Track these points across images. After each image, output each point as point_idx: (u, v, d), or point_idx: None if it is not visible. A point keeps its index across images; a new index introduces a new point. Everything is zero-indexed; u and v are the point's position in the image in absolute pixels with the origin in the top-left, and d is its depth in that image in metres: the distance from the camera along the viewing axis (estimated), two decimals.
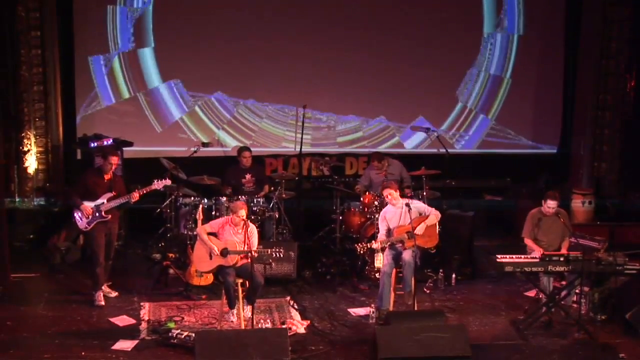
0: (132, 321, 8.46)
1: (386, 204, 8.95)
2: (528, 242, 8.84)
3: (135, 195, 8.85)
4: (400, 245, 8.63)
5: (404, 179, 10.73)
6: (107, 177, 8.96)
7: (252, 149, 11.12)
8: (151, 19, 11.86)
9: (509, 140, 12.90)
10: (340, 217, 10.58)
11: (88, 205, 8.82)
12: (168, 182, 9.09)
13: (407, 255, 8.53)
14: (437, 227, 8.95)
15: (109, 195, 8.86)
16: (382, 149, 12.34)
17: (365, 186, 10.72)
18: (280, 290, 9.45)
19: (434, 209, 8.93)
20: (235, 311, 8.42)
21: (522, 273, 8.46)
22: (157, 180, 9.00)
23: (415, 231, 8.45)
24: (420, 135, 12.48)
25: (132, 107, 12.07)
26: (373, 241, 8.80)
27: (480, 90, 12.73)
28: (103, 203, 8.84)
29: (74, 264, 10.29)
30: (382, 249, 8.90)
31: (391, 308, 8.60)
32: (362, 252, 8.75)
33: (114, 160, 8.95)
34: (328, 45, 12.17)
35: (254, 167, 10.90)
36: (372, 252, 9.61)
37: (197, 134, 12.17)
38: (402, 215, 8.66)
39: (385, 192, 8.79)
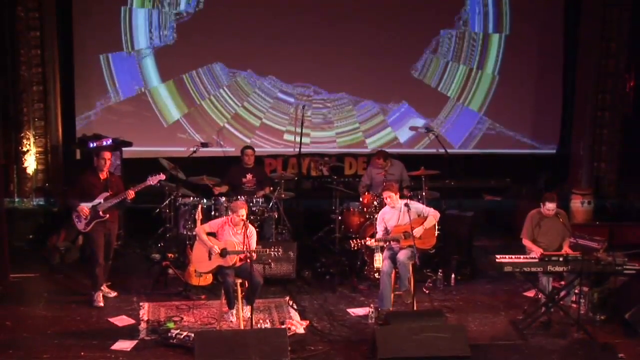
0: (132, 321, 8.46)
1: (385, 205, 8.95)
2: (527, 243, 8.84)
3: (131, 193, 8.84)
4: (396, 244, 8.63)
5: (403, 179, 10.73)
6: (103, 176, 8.95)
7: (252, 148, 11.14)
8: (149, 20, 11.90)
9: (509, 140, 12.91)
10: (340, 217, 10.58)
11: (85, 206, 8.82)
12: (162, 177, 9.05)
13: (402, 255, 8.54)
14: (436, 228, 8.95)
15: (106, 194, 8.85)
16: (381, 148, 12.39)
17: (367, 185, 10.73)
18: (279, 290, 9.45)
19: (432, 209, 8.92)
20: (234, 311, 8.42)
21: (522, 273, 8.46)
22: (152, 176, 8.98)
23: (413, 233, 8.45)
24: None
25: (132, 107, 12.07)
26: (368, 238, 8.83)
27: (467, 85, 12.79)
28: (100, 203, 8.83)
29: (73, 264, 10.29)
30: (381, 249, 8.91)
31: (390, 308, 8.61)
32: (355, 248, 8.73)
33: (107, 155, 8.94)
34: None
35: (255, 168, 10.91)
36: (370, 250, 9.63)
37: (201, 131, 12.25)
38: (401, 216, 8.65)
39: (385, 194, 8.79)
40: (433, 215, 8.81)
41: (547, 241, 8.78)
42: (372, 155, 12.38)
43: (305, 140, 11.94)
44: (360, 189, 10.81)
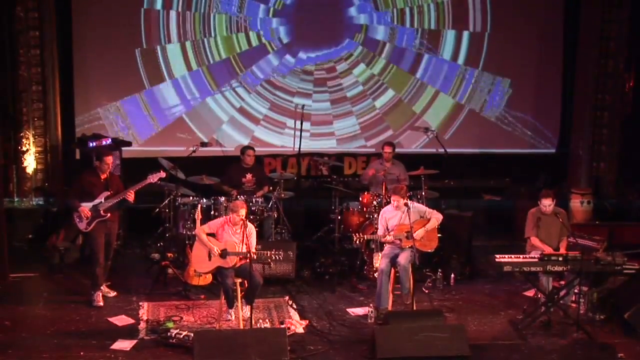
0: (131, 321, 8.46)
1: (385, 204, 8.94)
2: (535, 240, 8.79)
3: (131, 192, 8.85)
4: (398, 242, 8.62)
5: (401, 181, 10.71)
6: (103, 176, 8.96)
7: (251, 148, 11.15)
8: (149, 20, 11.91)
9: (508, 139, 12.92)
10: (339, 217, 10.58)
11: (86, 206, 8.82)
12: (162, 174, 9.07)
13: (402, 259, 8.53)
14: (437, 231, 8.95)
15: (106, 194, 8.86)
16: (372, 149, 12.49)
17: (369, 176, 10.74)
18: (279, 290, 9.45)
19: (435, 211, 8.92)
20: (232, 310, 8.43)
21: (521, 273, 8.46)
22: (152, 174, 8.98)
23: (414, 235, 8.44)
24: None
25: (132, 106, 12.06)
26: (370, 234, 8.83)
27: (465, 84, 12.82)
28: (101, 202, 8.83)
29: (73, 263, 10.27)
30: (381, 248, 8.90)
31: (390, 308, 8.61)
32: (358, 242, 8.72)
33: (109, 160, 8.95)
34: None
35: (255, 167, 10.91)
36: (370, 250, 9.62)
37: (199, 131, 12.26)
38: (403, 217, 8.63)
39: (393, 198, 8.75)
40: (436, 218, 8.80)
41: (546, 240, 8.78)
42: (372, 155, 12.43)
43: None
44: (362, 176, 10.84)
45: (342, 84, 12.60)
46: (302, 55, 12.41)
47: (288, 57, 12.38)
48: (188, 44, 12.04)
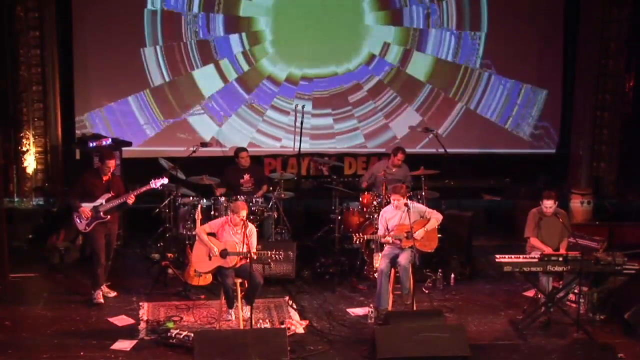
0: (131, 321, 8.46)
1: (385, 204, 8.93)
2: (535, 241, 8.79)
3: (132, 196, 8.85)
4: (398, 242, 8.62)
5: (405, 182, 10.69)
6: (105, 178, 8.96)
7: (250, 149, 11.14)
8: (151, 20, 11.91)
9: (509, 139, 12.92)
10: (339, 217, 10.58)
11: (86, 207, 8.82)
12: (165, 180, 9.08)
13: (403, 259, 8.53)
14: (438, 231, 8.94)
15: (107, 195, 8.87)
16: (380, 149, 12.44)
17: (369, 183, 10.71)
18: (279, 290, 9.45)
19: (435, 211, 8.91)
20: (232, 310, 8.43)
21: (521, 273, 8.46)
22: (154, 179, 8.99)
23: (414, 235, 8.43)
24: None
25: (132, 106, 12.05)
26: (370, 234, 8.83)
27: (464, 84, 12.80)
28: (102, 204, 8.84)
29: (73, 264, 10.29)
30: (381, 248, 8.90)
31: (390, 308, 8.61)
32: (358, 242, 8.71)
33: (111, 164, 8.95)
34: None
35: (252, 168, 10.90)
36: (370, 250, 9.62)
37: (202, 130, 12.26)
38: (403, 216, 8.63)
39: (393, 197, 8.76)
40: (435, 218, 8.79)
41: (546, 240, 8.78)
42: (372, 155, 12.43)
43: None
44: (362, 184, 10.83)
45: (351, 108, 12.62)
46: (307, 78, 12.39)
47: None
48: (186, 46, 12.03)
